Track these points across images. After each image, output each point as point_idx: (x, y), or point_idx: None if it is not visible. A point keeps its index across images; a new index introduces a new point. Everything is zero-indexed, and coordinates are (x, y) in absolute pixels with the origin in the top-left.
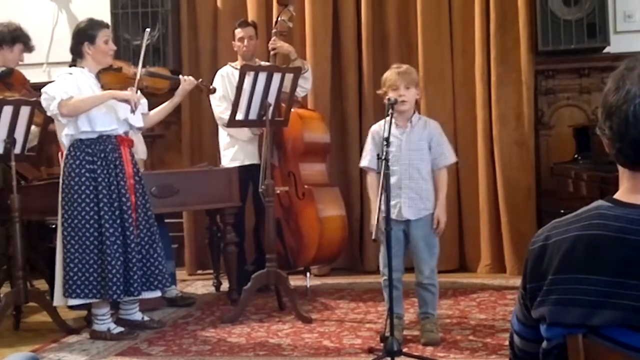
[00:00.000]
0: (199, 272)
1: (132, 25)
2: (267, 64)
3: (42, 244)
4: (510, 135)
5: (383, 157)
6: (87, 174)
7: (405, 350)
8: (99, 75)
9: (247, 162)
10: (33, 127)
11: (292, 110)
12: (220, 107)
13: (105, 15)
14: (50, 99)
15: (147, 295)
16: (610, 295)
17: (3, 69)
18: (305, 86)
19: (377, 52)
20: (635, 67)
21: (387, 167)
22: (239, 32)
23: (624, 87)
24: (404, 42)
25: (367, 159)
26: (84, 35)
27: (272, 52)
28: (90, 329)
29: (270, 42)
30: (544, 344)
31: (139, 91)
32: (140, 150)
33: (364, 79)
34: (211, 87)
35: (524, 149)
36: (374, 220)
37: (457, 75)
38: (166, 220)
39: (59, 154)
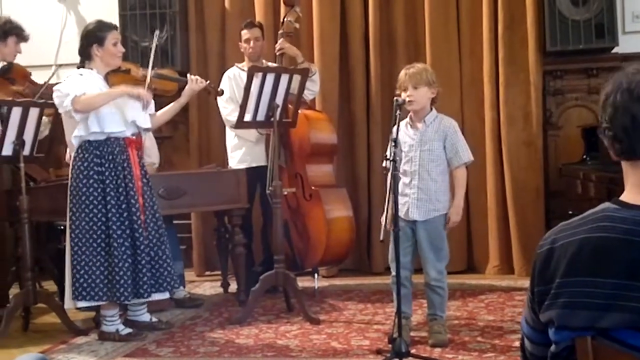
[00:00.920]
0: (207, 273)
1: (140, 26)
2: (274, 65)
3: (50, 245)
4: (518, 135)
5: (391, 159)
6: (95, 176)
7: (413, 351)
8: (107, 77)
9: (254, 164)
10: (44, 118)
11: (299, 111)
12: (227, 109)
13: (113, 17)
14: (63, 96)
15: (156, 297)
16: (618, 297)
17: (2, 64)
18: (313, 89)
19: (385, 53)
20: (629, 66)
21: (395, 168)
22: (245, 34)
23: (616, 80)
24: (412, 43)
25: (385, 160)
26: (92, 37)
27: (278, 53)
28: (98, 330)
29: (277, 43)
30: (553, 347)
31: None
32: (154, 154)
33: (372, 80)
34: (219, 89)
35: (532, 149)
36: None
37: (465, 75)
38: (174, 222)
39: (66, 155)
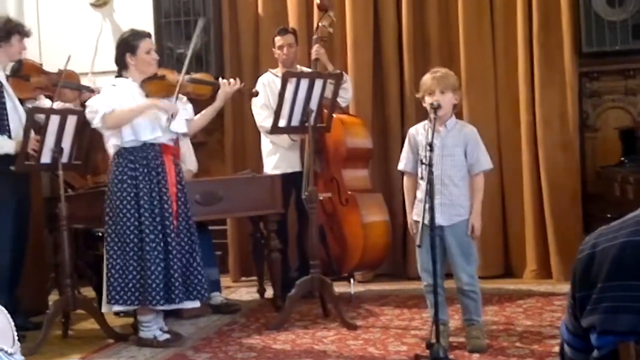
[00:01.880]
0: (243, 278)
1: (175, 34)
2: (308, 70)
3: (88, 252)
4: (554, 137)
5: (426, 163)
6: (128, 181)
7: (451, 357)
8: (142, 85)
9: (289, 170)
10: (69, 105)
11: (334, 116)
12: (261, 115)
13: (148, 25)
14: (93, 113)
15: (188, 304)
16: None
17: (12, 64)
18: (345, 96)
19: (419, 56)
20: None
21: (430, 172)
22: (278, 40)
23: None
24: (445, 46)
25: (403, 162)
26: (126, 46)
27: (313, 58)
28: (136, 336)
29: (312, 49)
30: (595, 352)
31: (184, 97)
32: (191, 161)
33: (406, 84)
34: (253, 90)
35: (569, 151)
36: (410, 223)
37: (500, 77)
38: (210, 227)
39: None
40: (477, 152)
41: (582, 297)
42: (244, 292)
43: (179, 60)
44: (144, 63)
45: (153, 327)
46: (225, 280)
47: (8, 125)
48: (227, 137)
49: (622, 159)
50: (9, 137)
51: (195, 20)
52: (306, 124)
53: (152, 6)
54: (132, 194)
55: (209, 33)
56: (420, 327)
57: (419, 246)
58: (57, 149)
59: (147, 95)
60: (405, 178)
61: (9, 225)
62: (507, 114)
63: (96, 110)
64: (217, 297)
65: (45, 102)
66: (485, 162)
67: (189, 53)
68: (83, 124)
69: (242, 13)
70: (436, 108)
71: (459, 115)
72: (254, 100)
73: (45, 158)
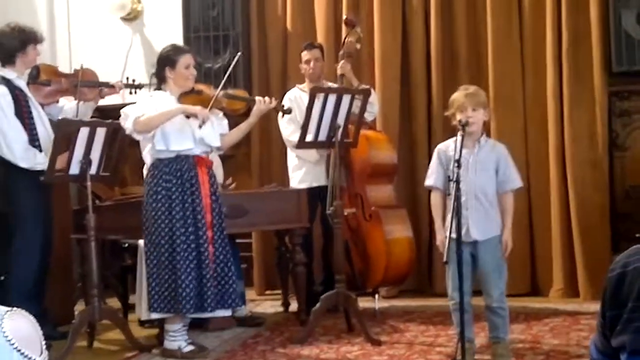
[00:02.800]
0: (268, 292)
1: (204, 48)
2: (335, 85)
3: (115, 262)
4: (583, 155)
5: (454, 180)
6: (162, 192)
7: None
8: (180, 99)
9: (315, 184)
10: (89, 103)
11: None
12: (288, 129)
13: (178, 39)
14: (125, 118)
15: (219, 313)
16: None
17: (29, 71)
18: (371, 110)
19: (447, 72)
20: None
21: (458, 189)
22: (305, 55)
23: None
24: (474, 62)
25: (432, 178)
26: (165, 60)
27: (339, 73)
28: (161, 347)
29: (338, 65)
30: None
31: (220, 112)
32: (218, 174)
33: (433, 100)
34: (286, 107)
35: (598, 169)
36: (439, 241)
37: (528, 94)
38: (236, 240)
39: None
40: (508, 170)
41: (613, 317)
42: (269, 306)
43: (206, 74)
44: (182, 77)
45: (179, 338)
46: (250, 293)
47: (37, 136)
48: (253, 151)
49: None
50: (39, 148)
51: (225, 35)
52: (333, 139)
53: (181, 21)
54: (165, 205)
55: (238, 48)
56: (445, 344)
57: (446, 262)
58: (86, 161)
59: None
60: (433, 194)
61: (39, 236)
62: (536, 131)
63: (128, 115)
64: (242, 310)
65: (65, 105)
66: (516, 180)
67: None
68: (112, 136)
69: (271, 28)
70: (464, 125)
71: (487, 131)
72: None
73: (74, 169)
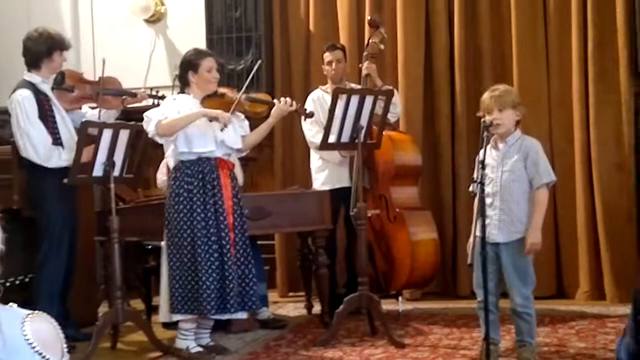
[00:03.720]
0: (291, 294)
1: (226, 50)
2: (358, 86)
3: (138, 264)
4: (609, 157)
5: (478, 181)
6: (184, 194)
7: None
8: (203, 102)
9: (338, 186)
10: (111, 111)
11: (383, 133)
12: (311, 130)
13: (200, 41)
14: (148, 121)
15: (240, 315)
16: None
17: (54, 76)
18: (394, 111)
19: (470, 73)
20: None
21: (482, 190)
22: (327, 56)
23: None
24: (498, 63)
25: (472, 184)
26: (188, 64)
27: (364, 74)
28: (173, 346)
29: (363, 66)
30: None
31: (242, 115)
32: (238, 175)
33: (457, 101)
34: (308, 111)
35: (625, 172)
36: (470, 241)
37: (554, 95)
38: (258, 242)
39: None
40: (537, 165)
41: None
42: (292, 308)
43: (229, 76)
44: (205, 81)
45: (189, 337)
46: (272, 296)
47: (61, 139)
48: (276, 153)
49: None
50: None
51: (248, 36)
52: (356, 141)
53: (204, 22)
54: (187, 207)
55: (260, 49)
56: (469, 347)
57: (470, 265)
58: (109, 163)
59: None
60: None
61: (67, 239)
62: (561, 132)
63: (151, 118)
64: (265, 312)
65: (88, 111)
66: (546, 175)
67: (247, 79)
68: (135, 138)
69: (293, 30)
70: (488, 126)
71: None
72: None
73: (97, 171)
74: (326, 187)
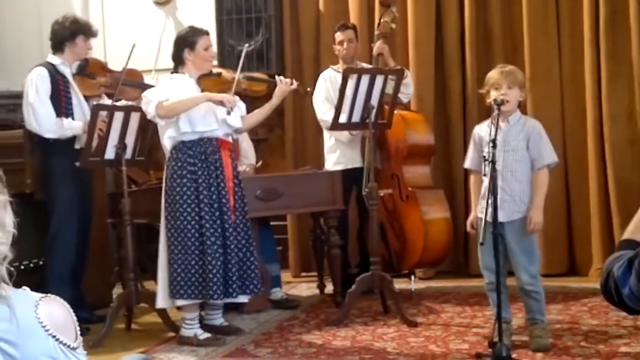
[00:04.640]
0: (303, 274)
1: (236, 31)
2: (370, 66)
3: (151, 246)
4: (622, 133)
5: (489, 160)
6: (188, 175)
7: (514, 356)
8: (199, 81)
9: (349, 166)
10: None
11: (395, 112)
12: (323, 107)
13: (210, 22)
14: (147, 102)
15: (242, 298)
16: None
17: (78, 62)
18: (406, 92)
19: (481, 52)
20: None
21: (493, 169)
22: (338, 36)
23: None
24: (509, 41)
25: (468, 160)
26: (184, 42)
27: (375, 54)
28: (177, 334)
29: (374, 45)
30: None
31: (236, 95)
32: (251, 156)
33: (468, 80)
34: (308, 89)
35: (637, 147)
36: (469, 220)
37: (565, 72)
38: (271, 223)
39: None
40: (539, 146)
41: None
42: (304, 288)
43: (239, 57)
44: (202, 59)
45: (195, 326)
46: (285, 276)
47: (74, 118)
48: (287, 134)
49: None
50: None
51: (257, 17)
52: (367, 120)
53: (214, 4)
54: (192, 189)
55: (270, 30)
56: (482, 325)
57: (482, 244)
58: (121, 145)
59: (203, 91)
60: (471, 176)
61: (75, 220)
62: (573, 110)
63: (151, 99)
64: (278, 293)
65: (107, 102)
66: (548, 156)
67: (241, 59)
68: (146, 121)
69: (303, 10)
70: (500, 104)
71: (524, 111)
72: (315, 94)
73: (109, 154)
74: (338, 168)
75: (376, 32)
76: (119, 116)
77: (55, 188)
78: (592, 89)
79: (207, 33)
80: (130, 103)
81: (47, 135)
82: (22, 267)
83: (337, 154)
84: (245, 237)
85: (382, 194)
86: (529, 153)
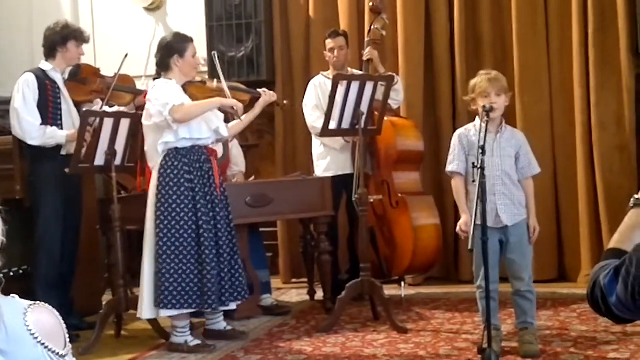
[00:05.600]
0: (294, 280)
1: (226, 37)
2: (360, 72)
3: (141, 252)
4: (610, 140)
5: (479, 166)
6: (185, 184)
7: None
8: (185, 87)
9: (340, 172)
10: (121, 108)
11: (385, 118)
12: (312, 116)
13: (200, 28)
14: (162, 105)
15: (232, 305)
16: None
17: (70, 68)
18: (397, 98)
19: (471, 57)
20: None
21: (483, 175)
22: (329, 43)
23: None
24: (499, 47)
25: (454, 164)
26: (173, 49)
27: (365, 59)
28: (167, 342)
29: (365, 52)
30: None
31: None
32: (241, 163)
33: (457, 86)
34: (285, 102)
35: (626, 154)
36: (461, 224)
37: (555, 79)
38: (261, 229)
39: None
40: (529, 156)
41: None
42: (294, 294)
43: (230, 63)
44: (190, 66)
45: (186, 333)
46: (275, 282)
47: (62, 124)
48: (278, 140)
49: None
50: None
51: (248, 23)
52: (357, 127)
53: (204, 10)
54: (189, 197)
55: (260, 36)
56: (471, 332)
57: (470, 250)
58: (111, 152)
59: (191, 98)
60: (454, 180)
61: (61, 226)
62: (562, 116)
63: (165, 102)
64: (268, 299)
65: (97, 106)
66: (536, 166)
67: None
68: (137, 127)
69: (294, 16)
70: (489, 111)
71: (513, 117)
72: (305, 101)
73: (99, 160)
74: (328, 174)
75: (367, 39)
76: (108, 122)
77: (40, 194)
78: (581, 96)
79: (192, 40)
80: (122, 108)
81: (30, 142)
82: (12, 273)
83: (328, 160)
84: (230, 245)
85: (372, 200)
86: (517, 162)
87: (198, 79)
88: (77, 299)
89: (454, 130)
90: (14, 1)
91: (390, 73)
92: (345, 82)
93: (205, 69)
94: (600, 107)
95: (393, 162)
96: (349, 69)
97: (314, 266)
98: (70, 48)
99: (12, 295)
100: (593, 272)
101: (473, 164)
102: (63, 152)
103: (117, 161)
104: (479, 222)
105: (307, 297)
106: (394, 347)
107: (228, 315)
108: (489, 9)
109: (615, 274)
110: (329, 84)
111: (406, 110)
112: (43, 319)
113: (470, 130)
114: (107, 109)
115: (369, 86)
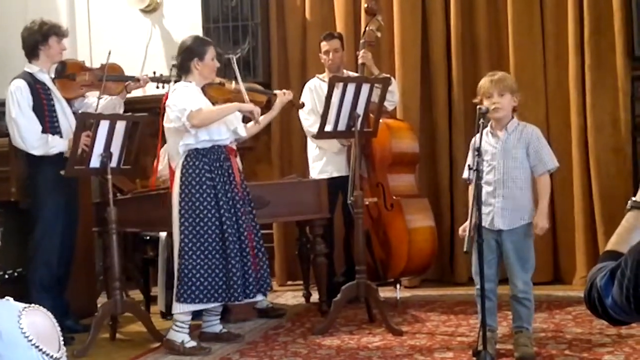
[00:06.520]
0: (289, 283)
1: (223, 39)
2: (355, 74)
3: (137, 255)
4: (606, 142)
5: (474, 168)
6: (207, 182)
7: None
8: (205, 89)
9: (335, 175)
10: (115, 97)
11: (381, 120)
12: (308, 120)
13: (197, 30)
14: (180, 111)
15: (259, 297)
16: None
17: (55, 66)
18: (392, 100)
19: (467, 60)
20: None
21: (478, 177)
22: (324, 45)
23: None
24: (495, 49)
25: (465, 171)
26: (193, 52)
27: (360, 62)
28: (165, 337)
29: (359, 54)
30: None
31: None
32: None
33: (454, 88)
34: (300, 102)
35: (621, 156)
36: (466, 227)
37: (550, 81)
38: None
39: (155, 164)
40: (539, 152)
41: None
42: (290, 297)
43: (226, 65)
44: (209, 69)
45: (185, 330)
46: None
47: (59, 128)
48: (274, 142)
49: None
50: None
51: (244, 25)
52: (353, 129)
53: (200, 11)
54: (212, 195)
55: (257, 38)
56: (467, 334)
57: (466, 252)
58: (107, 154)
59: (210, 100)
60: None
61: (59, 229)
62: (558, 118)
63: (183, 108)
64: (264, 301)
65: (93, 100)
66: (549, 161)
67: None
68: (132, 129)
69: (290, 18)
70: (484, 113)
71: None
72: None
73: (95, 162)
74: (324, 176)
75: (361, 40)
76: (104, 124)
77: (41, 196)
78: (577, 98)
79: (213, 44)
80: (114, 97)
81: (32, 152)
82: (7, 276)
83: (323, 162)
84: (256, 239)
85: (367, 203)
86: (528, 160)
87: (217, 80)
88: (73, 301)
89: (450, 133)
90: (9, 3)
91: (385, 75)
92: (341, 85)
93: None
94: (595, 110)
95: (388, 164)
96: (345, 70)
97: (309, 268)
98: (52, 44)
99: (6, 298)
100: (590, 273)
101: (469, 165)
102: (65, 154)
103: (113, 163)
104: (485, 223)
105: (303, 300)
106: (389, 349)
107: (223, 317)
108: (485, 12)
109: (611, 276)
110: (324, 86)
111: (402, 112)
112: (37, 322)
113: (483, 136)
114: (101, 101)
115: (365, 88)
